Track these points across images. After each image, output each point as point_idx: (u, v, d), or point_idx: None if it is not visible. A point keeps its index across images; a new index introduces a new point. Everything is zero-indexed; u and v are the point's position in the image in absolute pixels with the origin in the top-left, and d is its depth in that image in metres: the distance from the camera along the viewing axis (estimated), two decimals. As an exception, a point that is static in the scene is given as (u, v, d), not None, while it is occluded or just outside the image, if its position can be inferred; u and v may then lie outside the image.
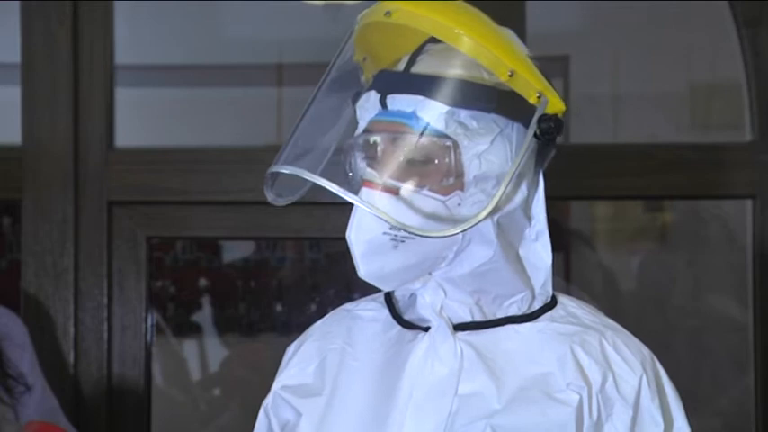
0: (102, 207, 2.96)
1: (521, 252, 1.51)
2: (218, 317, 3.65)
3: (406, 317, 1.53)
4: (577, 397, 1.44)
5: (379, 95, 1.45)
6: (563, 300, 1.55)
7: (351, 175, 1.47)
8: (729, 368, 3.29)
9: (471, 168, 1.42)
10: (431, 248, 1.44)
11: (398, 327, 1.52)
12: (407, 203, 1.42)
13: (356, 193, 1.42)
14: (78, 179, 2.95)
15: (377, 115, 1.46)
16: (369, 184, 1.43)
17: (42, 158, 2.95)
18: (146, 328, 2.99)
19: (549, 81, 1.48)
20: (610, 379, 1.47)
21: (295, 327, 3.47)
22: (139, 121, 3.30)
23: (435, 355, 1.47)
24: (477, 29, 1.43)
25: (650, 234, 3.63)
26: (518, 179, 1.46)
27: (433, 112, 1.41)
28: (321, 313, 3.53)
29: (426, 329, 1.49)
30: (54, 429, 2.41)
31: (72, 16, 2.96)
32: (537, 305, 1.52)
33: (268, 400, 1.61)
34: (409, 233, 1.40)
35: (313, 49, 3.17)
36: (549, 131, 1.43)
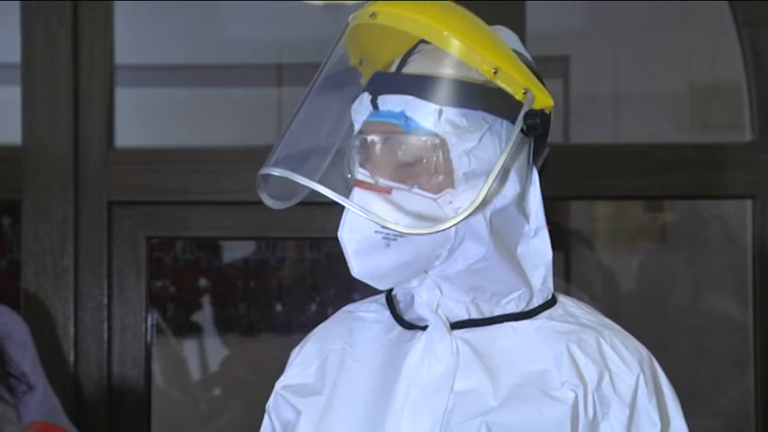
0: (102, 207, 2.96)
1: (519, 249, 1.51)
2: (218, 317, 3.66)
3: (406, 317, 1.53)
4: (573, 395, 1.45)
5: (370, 97, 1.47)
6: (563, 299, 1.56)
7: (349, 176, 1.47)
8: (729, 368, 3.29)
9: (461, 165, 1.43)
10: (423, 246, 1.45)
11: (399, 328, 1.53)
12: (398, 202, 1.43)
13: (349, 192, 1.43)
14: (78, 179, 2.95)
15: (369, 116, 1.47)
16: (360, 183, 1.45)
17: (42, 158, 2.95)
18: (146, 328, 2.99)
19: (539, 78, 1.49)
20: (606, 378, 1.47)
21: (295, 327, 3.47)
22: (139, 121, 3.30)
23: (432, 354, 1.47)
24: (460, 27, 1.44)
25: (650, 234, 3.63)
26: (509, 175, 1.46)
27: (421, 111, 1.43)
28: (321, 313, 3.55)
29: (424, 329, 1.49)
30: (56, 430, 2.42)
31: (72, 16, 2.96)
32: (536, 302, 1.52)
33: (270, 402, 1.62)
34: (398, 232, 1.40)
35: (313, 49, 3.16)
36: (535, 127, 1.44)
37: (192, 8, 3.29)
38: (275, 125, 3.46)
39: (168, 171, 2.99)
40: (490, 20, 1.52)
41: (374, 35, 1.48)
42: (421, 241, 1.44)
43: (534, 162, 1.51)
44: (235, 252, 3.65)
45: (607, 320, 1.55)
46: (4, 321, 2.53)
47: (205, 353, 3.65)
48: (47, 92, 2.97)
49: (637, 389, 1.48)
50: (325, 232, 2.98)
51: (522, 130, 1.44)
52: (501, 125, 1.45)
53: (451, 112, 1.43)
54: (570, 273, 3.29)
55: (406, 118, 1.43)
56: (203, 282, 3.64)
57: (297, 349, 1.63)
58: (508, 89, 1.44)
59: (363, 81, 1.51)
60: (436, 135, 1.43)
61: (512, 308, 1.51)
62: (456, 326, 1.49)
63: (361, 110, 1.48)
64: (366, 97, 1.47)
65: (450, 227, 1.41)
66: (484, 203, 1.42)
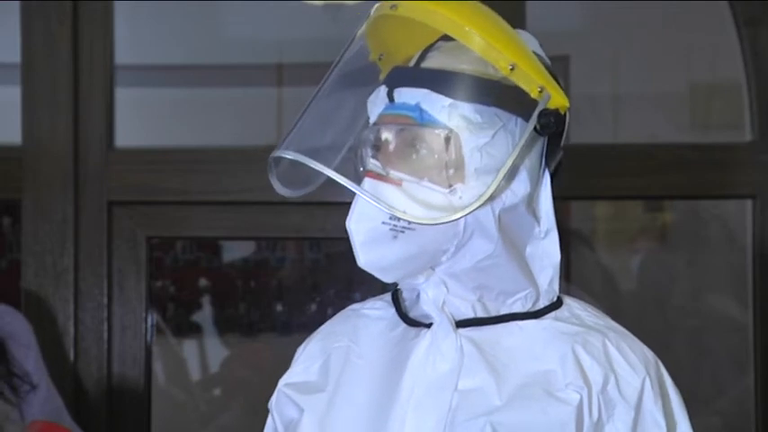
0: (102, 207, 2.96)
1: (528, 250, 1.51)
2: (218, 317, 3.65)
3: (411, 315, 1.53)
4: (578, 397, 1.45)
5: (387, 90, 1.47)
6: (568, 301, 1.56)
7: (361, 169, 1.47)
8: (729, 368, 3.29)
9: (472, 161, 1.43)
10: (431, 240, 1.45)
11: (404, 325, 1.53)
12: (408, 194, 1.43)
13: (359, 183, 1.44)
14: (78, 179, 2.95)
15: (384, 109, 1.48)
16: (371, 174, 1.45)
17: (42, 158, 2.95)
18: (146, 328, 2.99)
19: (555, 78, 1.49)
20: (612, 380, 1.47)
21: (295, 327, 3.47)
22: (139, 121, 3.30)
23: (437, 352, 1.47)
24: (478, 21, 1.44)
25: (650, 234, 3.63)
26: (519, 173, 1.46)
27: (436, 105, 1.43)
28: (321, 313, 3.55)
29: (429, 326, 1.49)
30: (57, 429, 2.42)
31: (72, 16, 2.96)
32: (542, 303, 1.52)
33: (273, 400, 1.62)
34: (405, 223, 1.41)
35: (313, 49, 3.17)
36: (548, 126, 1.44)
37: (191, 8, 3.29)
38: (275, 125, 3.45)
39: (168, 171, 2.98)
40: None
41: (395, 28, 1.48)
42: (428, 235, 1.44)
43: (547, 164, 1.51)
44: (235, 252, 3.64)
45: (613, 323, 1.55)
46: (8, 321, 2.53)
47: (205, 353, 3.65)
48: (47, 92, 2.97)
49: (642, 392, 1.48)
50: (325, 232, 2.99)
51: (535, 129, 1.44)
52: (515, 123, 1.45)
53: (466, 108, 1.43)
54: (570, 273, 3.29)
55: (421, 111, 1.44)
56: (203, 282, 3.64)
57: (301, 347, 1.63)
58: (524, 87, 1.44)
59: (382, 77, 1.51)
60: (449, 129, 1.43)
61: (518, 308, 1.51)
62: (461, 324, 1.49)
63: (377, 102, 1.49)
64: (383, 90, 1.48)
65: (458, 218, 1.41)
66: (492, 198, 1.42)
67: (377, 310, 1.58)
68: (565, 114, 1.48)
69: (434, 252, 1.47)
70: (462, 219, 1.42)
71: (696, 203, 3.44)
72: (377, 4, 1.49)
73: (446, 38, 1.46)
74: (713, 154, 2.98)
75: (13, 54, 3.00)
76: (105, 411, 2.94)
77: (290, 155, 1.41)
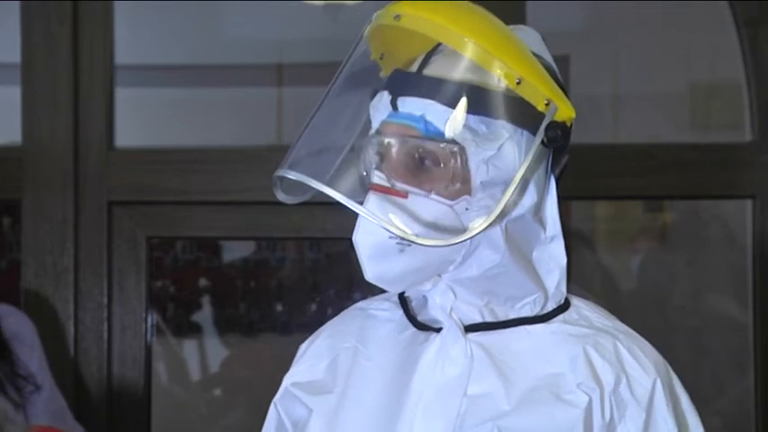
0: (102, 207, 2.96)
1: (535, 254, 1.50)
2: (218, 317, 3.65)
3: (420, 318, 1.53)
4: (587, 398, 1.44)
5: (390, 96, 1.46)
6: (576, 302, 1.55)
7: (365, 174, 1.46)
8: (729, 368, 3.29)
9: (479, 174, 1.42)
10: (437, 253, 1.44)
11: (412, 328, 1.52)
12: (414, 209, 1.42)
13: (365, 195, 1.43)
14: (78, 179, 2.95)
15: (388, 117, 1.46)
16: (376, 187, 1.43)
17: (42, 158, 2.95)
18: (146, 328, 2.99)
19: (561, 86, 1.48)
20: (623, 381, 1.46)
21: (295, 327, 3.47)
22: (139, 121, 3.30)
23: (446, 357, 1.47)
24: (485, 35, 1.42)
25: (650, 234, 3.62)
26: (527, 184, 1.45)
27: (441, 117, 1.41)
28: (321, 313, 3.55)
29: (438, 330, 1.49)
30: None
31: (72, 16, 2.96)
32: (550, 307, 1.52)
33: (278, 396, 1.61)
34: (411, 242, 1.40)
35: (313, 49, 3.17)
36: (556, 139, 1.43)
37: (192, 8, 3.29)
38: (275, 125, 3.45)
39: (168, 171, 2.99)
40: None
41: (397, 34, 1.47)
42: (435, 248, 1.43)
43: (552, 171, 1.50)
44: (235, 252, 3.64)
45: (622, 325, 1.54)
46: (12, 321, 2.53)
47: (205, 353, 3.65)
48: (47, 92, 2.97)
49: (653, 393, 1.47)
50: (325, 232, 2.99)
51: (542, 142, 1.43)
52: (521, 135, 1.43)
53: (472, 120, 1.41)
54: (570, 273, 3.29)
55: (426, 122, 1.42)
56: (203, 282, 3.64)
57: (306, 344, 1.62)
58: (530, 100, 1.43)
59: (383, 74, 1.50)
60: (455, 142, 1.41)
61: (526, 312, 1.50)
62: (470, 329, 1.48)
63: (380, 108, 1.47)
64: (386, 96, 1.46)
65: (466, 240, 1.40)
66: (501, 215, 1.41)
67: (384, 311, 1.58)
68: (571, 125, 1.47)
69: (441, 263, 1.46)
70: None
71: (696, 203, 3.43)
72: (378, 12, 1.48)
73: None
74: (713, 154, 2.98)
75: (13, 54, 2.99)
76: (105, 411, 2.94)
77: (292, 175, 1.39)
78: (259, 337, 3.58)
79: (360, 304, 1.63)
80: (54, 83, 2.97)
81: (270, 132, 3.42)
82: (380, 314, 1.57)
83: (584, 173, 2.91)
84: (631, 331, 1.54)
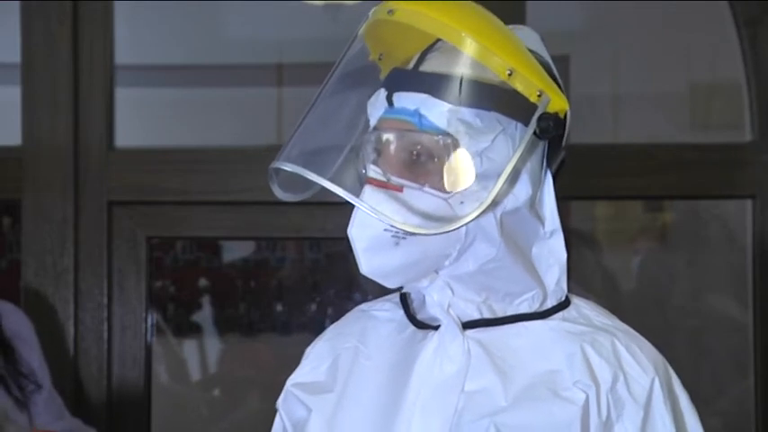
0: (102, 207, 2.96)
1: (534, 250, 1.51)
2: (218, 317, 3.65)
3: (419, 317, 1.53)
4: (584, 396, 1.44)
5: (386, 93, 1.47)
6: (577, 301, 1.55)
7: (363, 171, 1.47)
8: (729, 368, 3.28)
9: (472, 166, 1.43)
10: (433, 246, 1.45)
11: (412, 327, 1.53)
12: (409, 201, 1.43)
13: (360, 189, 1.43)
14: (78, 179, 2.95)
15: (384, 113, 1.47)
16: (372, 181, 1.44)
17: (42, 158, 2.95)
18: (146, 328, 2.99)
19: (556, 80, 1.49)
20: (621, 379, 1.46)
21: (295, 327, 3.47)
22: (139, 121, 3.30)
23: (444, 354, 1.47)
24: (477, 27, 1.43)
25: (650, 234, 3.62)
26: (520, 177, 1.46)
27: (435, 110, 1.43)
28: (321, 313, 3.55)
29: (437, 328, 1.49)
30: None
31: (72, 16, 2.97)
32: (550, 303, 1.52)
33: (280, 399, 1.62)
34: (406, 232, 1.40)
35: (313, 49, 3.17)
36: (548, 130, 1.43)
37: (192, 8, 3.29)
38: (275, 125, 3.45)
39: (168, 171, 2.99)
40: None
41: (393, 31, 1.48)
42: (430, 241, 1.44)
43: (549, 165, 1.51)
44: (235, 252, 3.64)
45: (622, 324, 1.54)
46: (13, 320, 2.53)
47: (205, 353, 3.65)
48: (47, 92, 2.97)
49: (651, 392, 1.47)
50: (325, 232, 2.99)
51: (534, 133, 1.43)
52: (515, 127, 1.44)
53: (466, 113, 1.42)
54: (570, 273, 3.29)
55: (420, 116, 1.43)
56: (203, 282, 3.64)
57: (310, 347, 1.63)
58: (523, 91, 1.43)
59: (382, 77, 1.51)
60: (449, 135, 1.42)
61: (525, 308, 1.50)
62: (468, 325, 1.49)
63: (377, 105, 1.48)
64: (382, 93, 1.47)
65: (459, 227, 1.41)
66: (494, 204, 1.41)
67: (386, 311, 1.58)
68: (565, 117, 1.48)
69: (437, 257, 1.46)
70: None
71: (696, 203, 3.43)
72: (374, 8, 1.49)
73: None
74: (713, 154, 2.99)
75: (13, 54, 3.00)
76: (105, 411, 2.94)
77: (288, 167, 1.41)
78: (259, 337, 3.58)
79: (362, 306, 1.64)
80: (54, 83, 2.97)
81: (270, 132, 3.42)
82: (382, 314, 1.58)
83: (584, 173, 2.91)
84: (631, 330, 1.54)
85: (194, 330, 3.62)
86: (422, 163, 1.44)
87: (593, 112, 3.31)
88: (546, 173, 1.51)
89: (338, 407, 1.52)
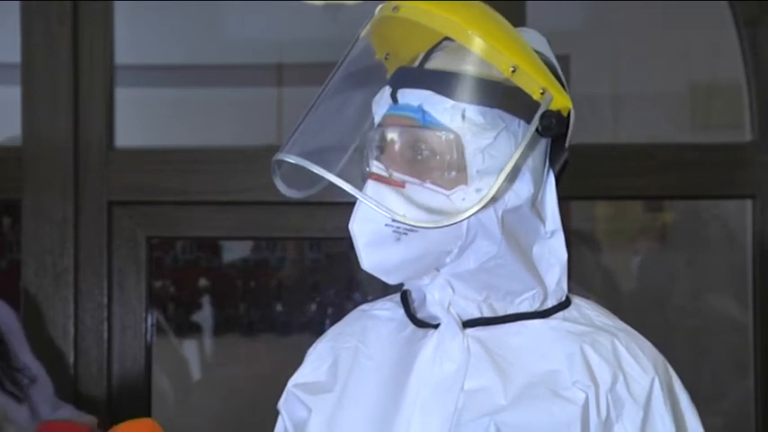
0: (102, 207, 2.96)
1: (535, 250, 1.51)
2: (218, 317, 3.66)
3: (419, 315, 1.53)
4: (583, 396, 1.44)
5: (390, 90, 1.48)
6: (577, 301, 1.55)
7: (367, 168, 1.47)
8: (729, 368, 3.29)
9: (474, 163, 1.43)
10: (434, 242, 1.45)
11: (412, 326, 1.53)
12: (411, 197, 1.43)
13: (363, 185, 1.43)
14: (78, 179, 2.95)
15: (388, 110, 1.48)
16: (374, 176, 1.45)
17: (42, 158, 2.95)
18: (146, 328, 2.99)
19: (559, 79, 1.49)
20: (620, 379, 1.46)
21: (295, 327, 3.47)
22: (139, 121, 3.30)
23: (444, 352, 1.47)
24: (479, 22, 1.44)
25: (650, 234, 3.62)
26: (522, 174, 1.46)
27: (438, 107, 1.43)
28: (321, 313, 3.54)
29: (437, 327, 1.49)
30: (69, 427, 2.41)
31: (72, 16, 2.97)
32: (550, 303, 1.52)
33: (282, 400, 1.62)
34: (407, 225, 1.41)
35: (313, 49, 3.17)
36: (550, 127, 1.44)
37: (192, 8, 3.29)
38: (275, 125, 3.45)
39: (168, 171, 2.99)
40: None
41: (399, 29, 1.48)
42: (431, 237, 1.44)
43: (551, 165, 1.51)
44: (235, 252, 3.65)
45: (623, 324, 1.54)
46: (3, 314, 2.52)
47: (205, 353, 3.65)
48: (47, 92, 2.97)
49: (651, 392, 1.47)
50: (324, 232, 2.99)
51: (537, 131, 1.43)
52: (518, 125, 1.45)
53: (469, 109, 1.43)
54: (570, 272, 3.29)
55: (424, 112, 1.43)
56: (203, 282, 3.65)
57: (311, 348, 1.63)
58: (526, 88, 1.44)
59: (389, 76, 1.51)
60: (452, 131, 1.43)
61: (525, 307, 1.51)
62: (468, 324, 1.49)
63: (381, 103, 1.49)
64: (387, 91, 1.48)
65: (460, 221, 1.41)
66: (495, 200, 1.42)
67: (386, 310, 1.58)
68: (568, 115, 1.48)
69: (438, 254, 1.46)
70: (465, 221, 1.42)
71: (696, 203, 3.44)
72: (380, 6, 1.49)
73: (448, 36, 1.46)
74: (713, 154, 2.99)
75: (13, 54, 3.00)
76: (105, 411, 2.94)
77: (291, 158, 1.41)
78: (259, 337, 3.58)
79: (362, 306, 1.64)
80: (54, 83, 2.97)
81: (270, 132, 3.42)
82: (382, 314, 1.58)
83: (584, 173, 2.91)
84: (632, 330, 1.54)
85: (194, 330, 3.62)
86: (424, 159, 1.44)
87: (593, 112, 3.31)
88: (548, 172, 1.51)
89: (338, 406, 1.52)
